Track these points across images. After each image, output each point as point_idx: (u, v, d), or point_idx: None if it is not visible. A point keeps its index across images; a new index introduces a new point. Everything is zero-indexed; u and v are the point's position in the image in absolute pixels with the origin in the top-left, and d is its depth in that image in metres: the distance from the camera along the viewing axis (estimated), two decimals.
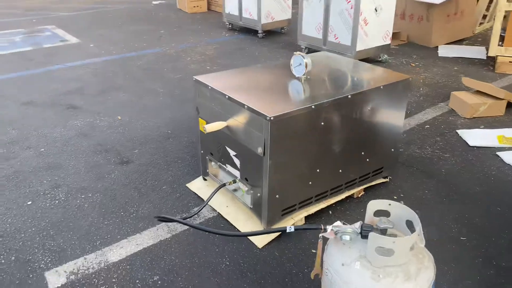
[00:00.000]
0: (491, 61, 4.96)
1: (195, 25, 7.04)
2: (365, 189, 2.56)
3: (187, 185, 2.64)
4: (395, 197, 2.54)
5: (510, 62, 4.54)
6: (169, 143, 3.18)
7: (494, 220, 2.34)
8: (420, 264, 1.45)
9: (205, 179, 2.64)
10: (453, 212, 2.41)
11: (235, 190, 2.38)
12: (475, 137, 3.20)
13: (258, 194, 2.13)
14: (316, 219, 2.33)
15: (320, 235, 1.52)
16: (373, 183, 2.59)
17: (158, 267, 2.02)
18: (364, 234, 1.46)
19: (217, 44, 5.92)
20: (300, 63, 2.32)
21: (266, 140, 1.95)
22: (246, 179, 2.22)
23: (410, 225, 1.54)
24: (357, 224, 1.53)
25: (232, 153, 2.26)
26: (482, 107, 3.51)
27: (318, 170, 2.22)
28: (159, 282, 1.94)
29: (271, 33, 6.38)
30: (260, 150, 2.00)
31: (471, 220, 2.34)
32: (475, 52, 5.37)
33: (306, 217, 2.29)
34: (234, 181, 2.33)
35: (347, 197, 2.46)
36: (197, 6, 8.09)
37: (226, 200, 2.44)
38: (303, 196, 2.24)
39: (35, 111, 3.75)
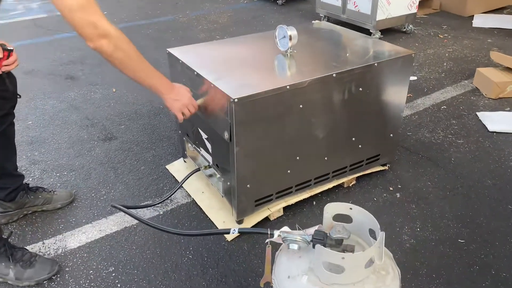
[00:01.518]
0: None
1: None
2: (358, 178, 2.30)
3: (166, 166, 2.48)
4: (390, 188, 2.27)
5: None
6: (158, 120, 3.01)
7: (502, 222, 2.04)
8: (380, 283, 1.22)
9: (185, 161, 2.46)
10: (455, 209, 2.12)
11: (210, 175, 2.19)
12: (496, 121, 2.83)
13: (228, 183, 1.93)
14: (297, 210, 2.11)
15: (267, 241, 1.31)
16: (368, 171, 2.32)
17: (116, 257, 1.89)
18: (314, 244, 1.24)
19: (233, 12, 5.62)
20: (284, 35, 2.05)
21: (231, 125, 1.72)
22: (217, 166, 2.01)
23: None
24: (311, 230, 1.30)
25: (204, 136, 2.05)
26: (510, 86, 3.10)
27: (298, 158, 1.98)
28: (113, 274, 1.81)
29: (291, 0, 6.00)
30: (226, 135, 1.78)
31: (474, 219, 2.05)
32: None
33: (285, 208, 2.08)
34: (209, 166, 2.14)
35: (335, 186, 2.22)
36: None
37: (202, 185, 2.25)
38: (280, 185, 2.02)
39: (33, 81, 3.66)
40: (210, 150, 2.04)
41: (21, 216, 2.10)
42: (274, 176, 1.97)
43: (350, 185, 2.28)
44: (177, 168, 2.44)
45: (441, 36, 4.47)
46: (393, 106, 2.19)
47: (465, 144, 2.63)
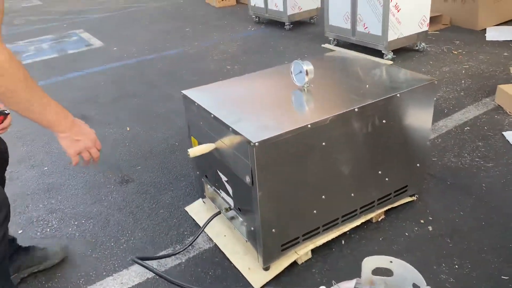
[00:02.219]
0: None
1: (222, 20, 6.77)
2: (386, 212, 2.20)
3: (185, 208, 2.40)
4: (422, 221, 2.15)
5: None
6: (174, 158, 2.95)
7: None
8: None
9: (204, 202, 2.38)
10: (493, 242, 1.99)
11: (232, 218, 2.11)
12: None
13: (252, 228, 1.85)
14: (326, 252, 2.01)
15: None
16: (397, 204, 2.22)
17: None
18: None
19: (241, 40, 5.62)
20: (300, 70, 1.99)
21: (253, 169, 1.65)
22: (239, 209, 1.93)
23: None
24: (349, 284, 1.21)
25: (224, 178, 1.98)
26: None
27: (323, 197, 1.89)
28: None
29: (299, 24, 5.99)
30: (248, 179, 1.70)
31: None
32: None
33: (313, 250, 1.98)
34: (230, 208, 2.06)
35: (364, 222, 2.12)
36: (226, 0, 7.81)
37: (224, 228, 2.17)
38: (307, 227, 1.93)
39: None
40: (231, 193, 1.96)
41: (19, 281, 1.97)
42: (299, 217, 1.88)
43: (379, 219, 2.17)
44: (197, 210, 2.36)
45: (455, 52, 4.39)
46: (418, 135, 2.10)
47: (495, 167, 2.52)
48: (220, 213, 2.09)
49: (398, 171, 2.12)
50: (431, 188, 2.39)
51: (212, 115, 1.84)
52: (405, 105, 1.96)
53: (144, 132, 3.36)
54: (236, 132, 1.68)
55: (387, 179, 2.09)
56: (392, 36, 4.18)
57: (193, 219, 2.31)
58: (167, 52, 5.41)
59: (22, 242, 2.20)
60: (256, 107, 1.90)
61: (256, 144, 1.58)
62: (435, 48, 4.57)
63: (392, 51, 4.32)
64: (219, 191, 2.09)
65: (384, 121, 1.92)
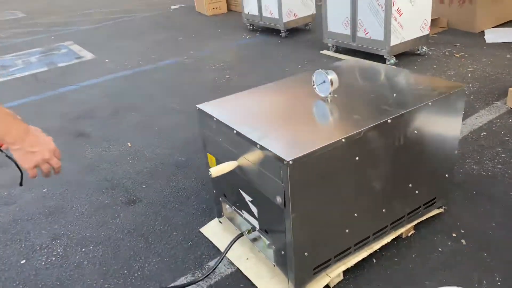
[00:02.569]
0: None
1: (215, 29, 6.66)
2: (416, 226, 2.08)
3: (201, 230, 2.26)
4: (454, 235, 2.05)
5: None
6: (182, 175, 2.81)
7: None
8: None
9: (220, 222, 2.24)
10: None
11: (255, 239, 1.97)
12: None
13: (282, 252, 1.71)
14: (358, 272, 1.89)
15: None
16: (425, 217, 2.11)
17: None
18: None
19: (237, 48, 5.52)
20: (323, 80, 1.87)
21: (286, 189, 1.52)
22: (266, 231, 1.80)
23: None
24: None
25: (247, 198, 1.85)
26: None
27: (356, 215, 1.77)
28: None
29: (295, 31, 5.90)
30: (279, 200, 1.57)
31: None
32: None
33: (345, 272, 1.85)
34: (253, 229, 1.92)
35: (394, 239, 2.00)
36: (217, 8, 7.71)
37: (246, 251, 2.03)
38: (339, 247, 1.80)
39: None
40: (256, 214, 1.83)
41: None
42: (332, 238, 1.75)
43: (409, 234, 2.06)
44: (213, 231, 2.22)
45: (458, 55, 4.34)
46: (448, 144, 2.00)
47: None
48: (242, 235, 1.95)
49: (428, 183, 2.02)
50: (458, 198, 2.29)
51: (235, 131, 1.71)
52: (436, 114, 1.85)
53: (146, 148, 3.21)
54: (265, 149, 1.56)
55: (417, 191, 1.98)
56: (394, 41, 4.11)
57: (211, 241, 2.17)
58: (162, 63, 5.27)
59: (23, 275, 2.05)
60: (280, 121, 1.78)
61: (290, 162, 1.46)
62: (436, 52, 4.51)
63: (394, 56, 4.25)
64: (240, 212, 1.95)
65: (415, 131, 1.81)
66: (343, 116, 1.77)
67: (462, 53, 4.39)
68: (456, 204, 2.25)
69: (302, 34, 5.82)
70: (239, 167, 1.78)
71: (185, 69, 4.93)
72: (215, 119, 1.84)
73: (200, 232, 2.25)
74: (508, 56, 4.20)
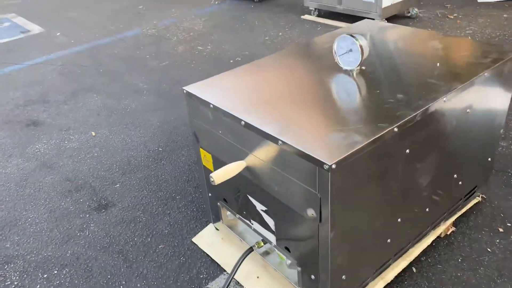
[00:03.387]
0: None
1: None
2: (454, 222, 1.74)
3: (193, 239, 1.83)
4: (500, 229, 1.72)
5: None
6: (161, 168, 2.34)
7: None
8: None
9: (217, 229, 1.82)
10: None
11: (267, 253, 1.57)
12: None
13: (312, 277, 1.32)
14: (397, 286, 1.53)
15: None
16: (463, 210, 1.77)
17: None
18: None
19: (207, 16, 4.95)
20: (350, 48, 1.45)
21: (323, 200, 1.11)
22: (287, 249, 1.40)
23: None
24: None
25: (259, 207, 1.43)
26: None
27: (399, 220, 1.40)
28: None
29: None
30: (311, 214, 1.17)
31: None
32: None
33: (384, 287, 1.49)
34: (265, 242, 1.52)
35: (433, 240, 1.65)
36: None
37: (256, 267, 1.63)
38: (379, 262, 1.43)
39: None
40: (272, 227, 1.42)
41: None
42: (372, 253, 1.38)
43: (448, 233, 1.72)
44: (209, 241, 1.80)
45: (451, 17, 4.00)
46: (494, 123, 1.64)
47: None
48: (252, 250, 1.54)
49: (471, 171, 1.67)
50: (494, 184, 1.96)
51: (243, 122, 1.26)
52: (490, 87, 1.48)
53: (114, 137, 2.70)
54: (292, 148, 1.13)
55: (460, 182, 1.62)
56: (386, 2, 3.71)
57: (207, 255, 1.75)
58: (122, 35, 4.64)
59: None
60: (299, 106, 1.35)
61: (333, 166, 1.04)
62: (428, 14, 4.15)
63: (385, 19, 3.85)
64: (248, 222, 1.54)
65: (468, 110, 1.44)
66: (383, 96, 1.35)
67: (455, 14, 4.05)
68: (494, 191, 1.93)
69: None
70: (247, 168, 1.35)
71: (150, 41, 4.35)
72: (212, 105, 1.38)
73: (193, 242, 1.82)
74: (505, 15, 3.89)
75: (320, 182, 1.09)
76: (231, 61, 3.63)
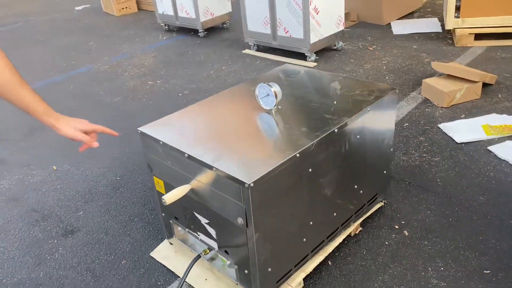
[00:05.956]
0: (448, 33, 4.74)
1: (127, 30, 6.36)
2: (362, 223, 2.19)
3: (151, 254, 2.17)
4: (396, 226, 2.19)
5: (469, 34, 4.31)
6: (120, 195, 2.66)
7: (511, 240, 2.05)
8: None
9: (171, 243, 2.17)
10: (465, 236, 2.10)
11: (212, 258, 1.94)
12: (459, 131, 2.91)
13: (246, 271, 1.71)
14: (316, 277, 1.94)
15: None
16: (369, 213, 2.23)
17: None
18: None
19: (156, 51, 5.33)
20: (267, 93, 1.88)
21: (247, 210, 1.51)
22: (226, 252, 1.78)
23: None
24: None
25: (203, 220, 1.80)
26: (459, 93, 3.24)
27: (311, 223, 1.82)
28: None
29: (213, 30, 5.84)
30: (240, 221, 1.56)
31: (487, 243, 2.04)
32: (430, 25, 5.13)
33: (305, 278, 1.89)
34: (210, 249, 1.89)
35: (344, 238, 2.09)
36: (126, 8, 7.36)
37: (203, 271, 1.99)
38: (298, 257, 1.84)
39: None
40: (214, 236, 1.80)
41: None
42: (292, 249, 1.79)
43: (357, 232, 2.16)
44: (165, 255, 2.14)
45: (371, 48, 4.61)
46: (384, 143, 2.12)
47: (442, 161, 2.66)
48: (200, 257, 1.91)
49: (370, 182, 2.13)
50: (393, 190, 2.45)
51: (186, 155, 1.65)
52: (374, 117, 1.96)
53: (75, 169, 2.99)
54: (222, 172, 1.53)
55: (361, 191, 2.08)
56: (313, 38, 4.25)
57: (164, 265, 2.09)
58: (75, 71, 4.92)
59: None
60: (230, 139, 1.75)
61: (252, 185, 1.45)
62: (351, 46, 4.75)
63: (315, 52, 4.40)
64: (196, 234, 1.90)
65: (358, 136, 1.90)
66: (291, 129, 1.79)
67: (374, 46, 4.67)
68: (393, 196, 2.41)
69: (221, 33, 5.78)
70: (192, 190, 1.73)
71: (102, 77, 4.66)
72: (161, 142, 1.76)
73: (151, 256, 2.16)
74: (414, 47, 4.55)
75: (244, 196, 1.49)
76: (180, 94, 4.02)
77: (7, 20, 7.80)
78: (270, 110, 1.91)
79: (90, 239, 2.33)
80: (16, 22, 7.56)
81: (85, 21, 7.22)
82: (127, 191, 2.69)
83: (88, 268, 2.13)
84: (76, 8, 8.16)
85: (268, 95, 1.88)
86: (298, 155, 1.60)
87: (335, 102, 1.97)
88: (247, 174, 1.48)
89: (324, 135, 1.70)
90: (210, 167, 1.57)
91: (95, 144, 1.58)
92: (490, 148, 2.71)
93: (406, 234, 2.15)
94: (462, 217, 2.22)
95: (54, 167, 3.03)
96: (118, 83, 4.47)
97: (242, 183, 1.46)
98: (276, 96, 1.86)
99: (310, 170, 1.70)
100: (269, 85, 1.86)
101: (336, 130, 1.75)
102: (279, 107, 1.93)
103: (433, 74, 3.71)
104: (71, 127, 1.54)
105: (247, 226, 1.55)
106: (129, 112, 3.77)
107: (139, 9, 7.52)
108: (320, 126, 1.76)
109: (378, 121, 2.01)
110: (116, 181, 2.82)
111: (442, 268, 1.93)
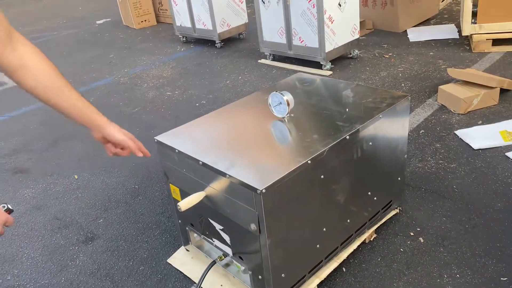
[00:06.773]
0: (465, 39, 4.70)
1: (146, 43, 6.52)
2: (376, 230, 2.20)
3: (168, 260, 2.21)
4: (411, 233, 2.19)
5: (487, 39, 4.27)
6: (138, 203, 2.73)
7: None
8: None
9: (187, 250, 2.21)
10: (482, 243, 2.07)
11: (227, 264, 1.97)
12: (477, 137, 2.89)
13: (260, 277, 1.73)
14: (330, 283, 1.95)
15: None
16: (384, 220, 2.23)
17: None
18: None
19: (174, 62, 5.44)
20: (280, 101, 1.92)
21: (260, 216, 1.54)
22: (241, 258, 1.81)
23: None
24: None
25: (218, 226, 1.84)
26: (476, 99, 3.21)
27: (324, 229, 1.84)
28: None
29: (229, 40, 5.93)
30: (253, 227, 1.59)
31: (505, 250, 2.02)
32: (446, 31, 5.10)
33: (319, 285, 1.91)
34: (225, 255, 1.92)
35: (359, 245, 2.09)
36: (145, 21, 7.54)
37: (218, 277, 2.02)
38: (312, 263, 1.86)
39: None
40: (228, 242, 1.83)
41: None
42: (305, 255, 1.81)
43: (372, 239, 2.17)
44: (182, 261, 2.19)
45: (387, 56, 4.61)
46: (398, 149, 2.13)
47: (459, 167, 2.64)
48: (215, 263, 1.94)
49: (384, 188, 2.14)
50: (409, 197, 2.44)
51: (201, 162, 1.70)
52: (387, 124, 1.97)
53: (95, 179, 3.08)
54: (235, 179, 1.57)
55: (375, 198, 2.09)
56: (328, 47, 4.28)
57: (180, 272, 2.13)
58: (96, 84, 5.06)
59: None
60: (243, 146, 1.79)
61: (264, 191, 1.48)
62: (367, 54, 4.76)
63: (330, 61, 4.42)
64: (211, 240, 1.94)
65: (370, 143, 1.91)
66: (303, 136, 1.82)
67: (390, 54, 4.67)
68: (409, 203, 2.40)
69: (237, 43, 5.86)
70: (206, 197, 1.77)
71: (122, 89, 4.78)
72: (177, 150, 1.81)
73: (168, 263, 2.20)
74: (431, 53, 4.53)
75: (256, 203, 1.53)
76: (197, 104, 4.09)
77: (35, 35, 8.07)
78: (283, 118, 1.95)
79: (110, 246, 2.39)
80: (43, 37, 7.81)
81: (106, 34, 7.42)
82: (145, 199, 2.76)
83: (107, 274, 2.19)
84: (98, 22, 8.40)
85: (280, 103, 1.92)
86: (309, 162, 1.63)
87: (347, 109, 1.99)
88: (259, 181, 1.52)
89: (336, 142, 1.72)
90: (224, 174, 1.61)
91: (139, 153, 1.59)
92: (508, 154, 2.67)
93: (422, 241, 2.14)
94: (479, 224, 2.20)
95: (76, 176, 3.13)
96: (137, 94, 4.58)
97: (254, 189, 1.50)
98: (288, 105, 1.89)
99: (322, 176, 1.72)
100: (282, 94, 1.90)
101: (347, 137, 1.77)
102: (292, 115, 1.96)
103: (449, 80, 3.68)
104: (120, 131, 1.58)
105: (260, 232, 1.58)
106: (148, 122, 3.86)
107: (158, 22, 7.69)
108: (332, 133, 1.78)
109: (391, 128, 2.02)
110: (134, 189, 2.89)
111: (458, 275, 1.92)
